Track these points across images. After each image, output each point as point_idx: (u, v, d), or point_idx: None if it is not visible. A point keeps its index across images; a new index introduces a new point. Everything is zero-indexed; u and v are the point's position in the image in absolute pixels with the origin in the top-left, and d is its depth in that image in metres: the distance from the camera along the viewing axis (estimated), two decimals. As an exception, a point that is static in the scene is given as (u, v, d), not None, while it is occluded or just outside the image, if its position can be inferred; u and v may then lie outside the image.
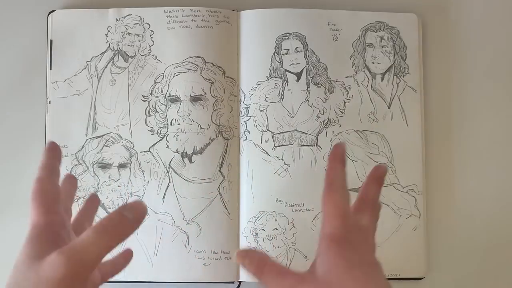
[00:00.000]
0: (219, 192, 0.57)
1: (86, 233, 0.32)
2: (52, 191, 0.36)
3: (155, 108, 0.58)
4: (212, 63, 0.58)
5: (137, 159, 0.57)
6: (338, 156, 0.39)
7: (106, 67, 0.58)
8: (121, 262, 0.45)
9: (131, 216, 0.33)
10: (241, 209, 0.57)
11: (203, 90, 0.58)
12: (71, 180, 0.46)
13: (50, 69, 0.58)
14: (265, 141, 0.58)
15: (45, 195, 0.36)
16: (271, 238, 0.56)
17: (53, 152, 0.39)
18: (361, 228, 0.38)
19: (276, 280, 0.34)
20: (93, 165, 0.57)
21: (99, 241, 0.32)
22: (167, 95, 0.58)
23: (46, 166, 0.38)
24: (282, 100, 0.58)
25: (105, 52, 0.59)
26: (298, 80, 0.59)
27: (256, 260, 0.35)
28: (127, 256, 0.46)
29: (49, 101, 0.58)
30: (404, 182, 0.58)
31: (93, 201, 0.48)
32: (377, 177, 0.42)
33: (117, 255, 0.45)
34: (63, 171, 0.56)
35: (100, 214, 0.56)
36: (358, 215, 0.39)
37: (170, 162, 0.57)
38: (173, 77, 0.58)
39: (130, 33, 0.59)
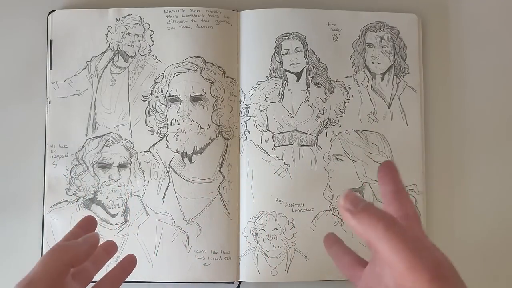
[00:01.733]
0: (219, 192, 0.57)
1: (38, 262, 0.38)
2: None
3: (155, 108, 0.58)
4: (212, 63, 0.58)
5: (137, 159, 0.57)
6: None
7: (106, 67, 0.58)
8: (118, 271, 0.46)
9: (80, 241, 0.41)
10: (241, 209, 0.57)
11: (203, 90, 0.58)
12: (109, 247, 0.47)
13: (50, 69, 0.58)
14: (265, 141, 0.58)
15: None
16: (271, 238, 0.56)
17: (83, 223, 0.46)
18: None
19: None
20: (93, 165, 0.57)
21: (42, 268, 0.38)
22: (167, 95, 0.58)
23: (70, 232, 0.44)
24: (282, 100, 0.58)
25: (105, 52, 0.59)
26: (298, 80, 0.59)
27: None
28: (126, 264, 0.46)
29: (49, 101, 0.58)
30: (404, 182, 0.58)
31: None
32: (398, 190, 0.41)
33: (117, 265, 0.46)
34: (63, 171, 0.57)
35: (100, 214, 0.56)
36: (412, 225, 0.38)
37: (170, 162, 0.57)
38: (173, 77, 0.58)
39: (130, 33, 0.59)
